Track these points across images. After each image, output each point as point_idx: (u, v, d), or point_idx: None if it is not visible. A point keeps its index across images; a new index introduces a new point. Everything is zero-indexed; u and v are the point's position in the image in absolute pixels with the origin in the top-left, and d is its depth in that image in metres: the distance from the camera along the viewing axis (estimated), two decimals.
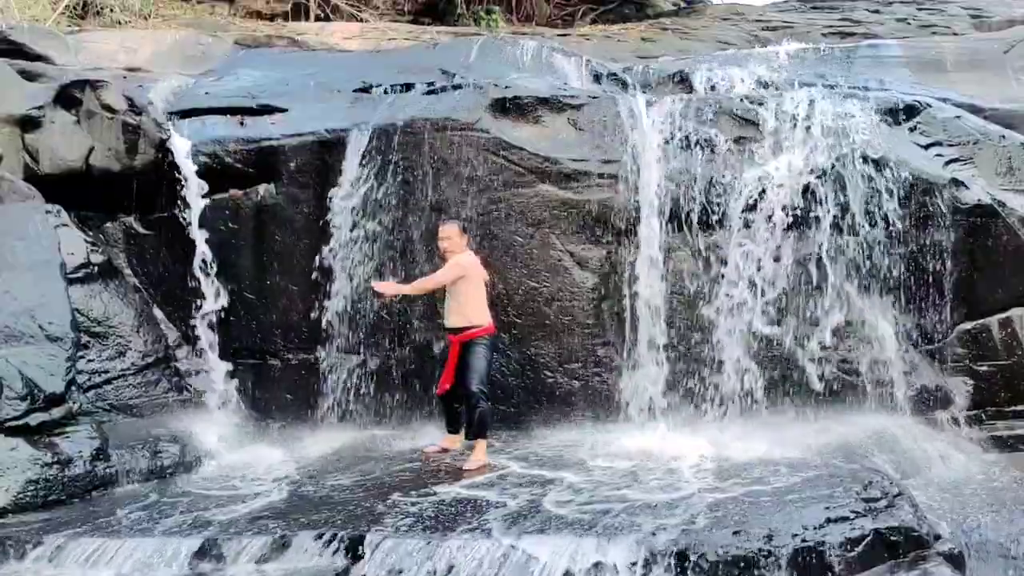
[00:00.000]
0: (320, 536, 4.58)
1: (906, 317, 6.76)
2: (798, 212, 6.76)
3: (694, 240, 6.84)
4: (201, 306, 7.19)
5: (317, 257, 7.09)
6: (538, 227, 6.87)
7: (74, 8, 11.83)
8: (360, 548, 4.47)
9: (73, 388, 6.01)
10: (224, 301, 7.20)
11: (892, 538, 4.44)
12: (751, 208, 6.76)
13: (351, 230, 7.05)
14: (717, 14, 14.87)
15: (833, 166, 6.80)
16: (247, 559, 4.53)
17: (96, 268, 6.93)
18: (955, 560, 4.49)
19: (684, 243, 6.85)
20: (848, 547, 4.33)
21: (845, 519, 4.49)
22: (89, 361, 6.54)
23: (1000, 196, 6.88)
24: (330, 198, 7.07)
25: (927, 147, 7.23)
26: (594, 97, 7.47)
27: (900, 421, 6.56)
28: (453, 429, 6.26)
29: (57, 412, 5.77)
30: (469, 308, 6.02)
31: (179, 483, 5.92)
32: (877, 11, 13.45)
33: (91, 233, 7.19)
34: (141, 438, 6.18)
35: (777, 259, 6.71)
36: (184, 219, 7.21)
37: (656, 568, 4.15)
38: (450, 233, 6.13)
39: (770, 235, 6.73)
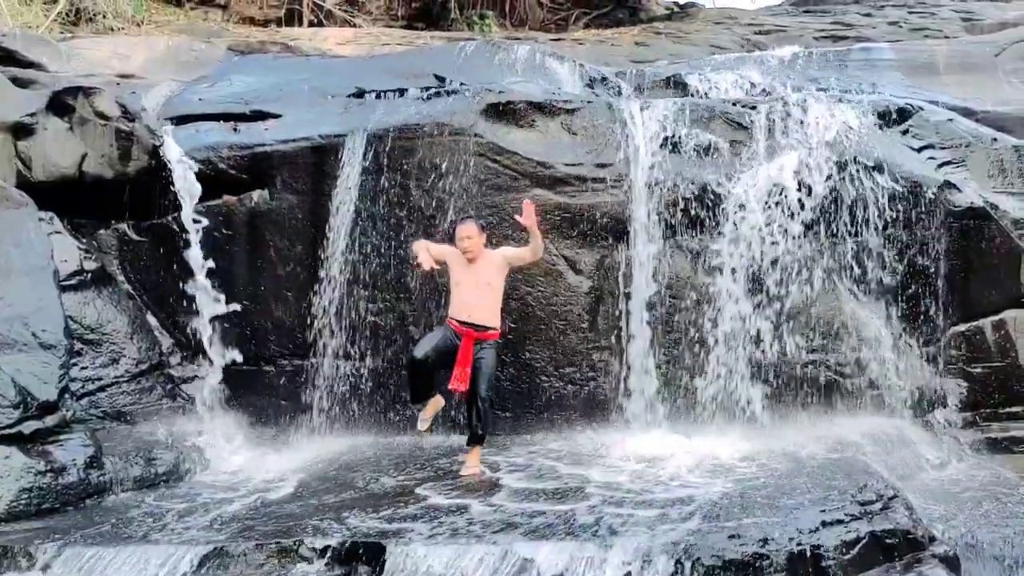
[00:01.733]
0: (320, 543, 4.57)
1: (900, 319, 6.78)
2: (791, 215, 6.77)
3: (688, 243, 6.85)
4: (198, 312, 7.18)
5: (311, 262, 7.08)
6: None
7: (67, 15, 11.82)
8: (357, 556, 4.46)
9: (66, 396, 5.99)
10: (220, 307, 7.17)
11: (887, 540, 4.44)
12: (745, 211, 6.77)
13: (345, 236, 7.04)
14: (710, 18, 14.92)
15: (826, 169, 6.81)
16: (245, 566, 4.52)
17: (89, 275, 6.90)
18: (950, 562, 4.49)
19: (678, 246, 6.86)
20: (843, 550, 4.33)
21: (840, 522, 4.48)
22: (83, 368, 6.51)
23: (992, 198, 6.90)
24: (329, 203, 7.05)
25: (920, 150, 7.26)
26: (588, 101, 7.48)
27: (895, 423, 6.57)
28: (427, 394, 5.98)
29: (50, 420, 5.73)
30: (495, 306, 5.95)
31: (174, 491, 5.90)
32: (869, 15, 13.50)
33: (84, 240, 7.17)
34: (135, 445, 6.16)
35: (771, 262, 6.72)
36: (177, 226, 7.19)
37: (649, 571, 4.15)
38: (470, 232, 5.97)
39: (764, 238, 6.74)
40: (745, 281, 6.71)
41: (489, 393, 5.86)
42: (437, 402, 6.07)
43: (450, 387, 5.83)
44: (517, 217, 5.89)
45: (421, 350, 5.84)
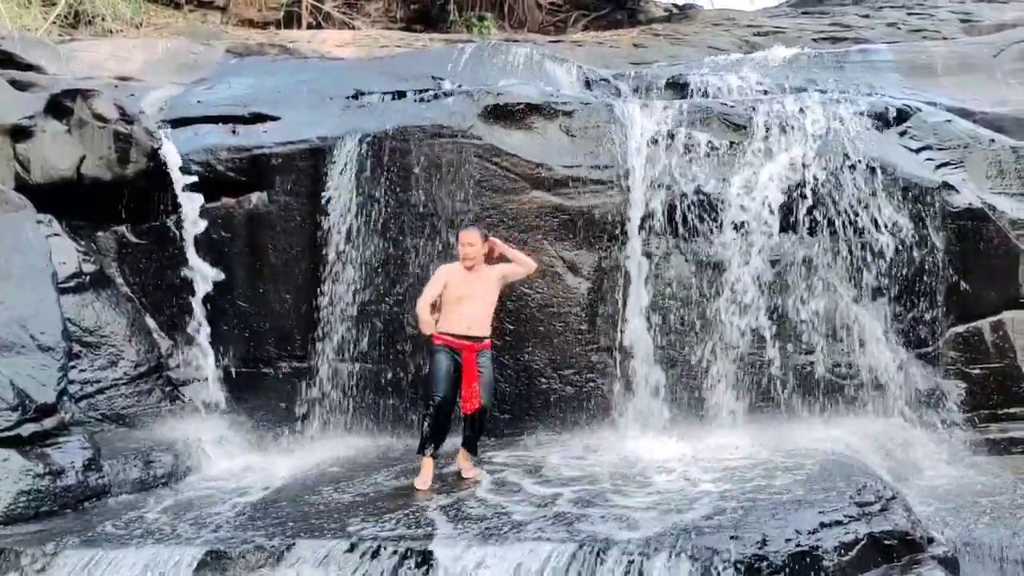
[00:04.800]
0: (318, 545, 4.57)
1: (899, 320, 6.78)
2: (790, 217, 6.78)
3: (686, 245, 6.85)
4: (194, 315, 7.18)
5: (310, 265, 7.09)
6: (530, 233, 6.87)
7: (65, 17, 11.83)
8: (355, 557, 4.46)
9: (65, 398, 5.98)
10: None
11: (886, 542, 4.45)
12: (743, 213, 6.78)
13: (344, 238, 7.04)
14: (709, 19, 14.93)
15: (824, 170, 6.81)
16: (245, 568, 4.52)
17: (88, 277, 6.90)
18: (949, 563, 4.50)
19: (676, 248, 6.86)
20: (842, 551, 4.33)
21: (839, 523, 4.49)
22: (81, 371, 6.52)
23: (990, 199, 6.91)
24: (325, 204, 7.07)
25: (918, 151, 7.26)
26: (586, 103, 7.48)
27: (894, 424, 6.57)
28: (442, 436, 5.80)
29: (49, 422, 5.73)
30: (490, 318, 5.91)
31: (172, 493, 5.90)
32: (867, 16, 13.51)
33: (83, 242, 7.17)
34: (134, 448, 6.16)
35: (769, 263, 6.72)
36: (175, 229, 7.19)
37: (648, 571, 4.15)
38: (472, 239, 5.91)
39: (762, 240, 6.74)
40: (743, 282, 6.71)
41: (489, 402, 5.83)
42: (429, 463, 5.73)
43: (463, 411, 5.71)
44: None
45: (440, 390, 5.65)
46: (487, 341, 5.88)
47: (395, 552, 4.44)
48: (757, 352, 6.68)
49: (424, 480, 5.60)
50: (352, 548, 4.51)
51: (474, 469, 5.80)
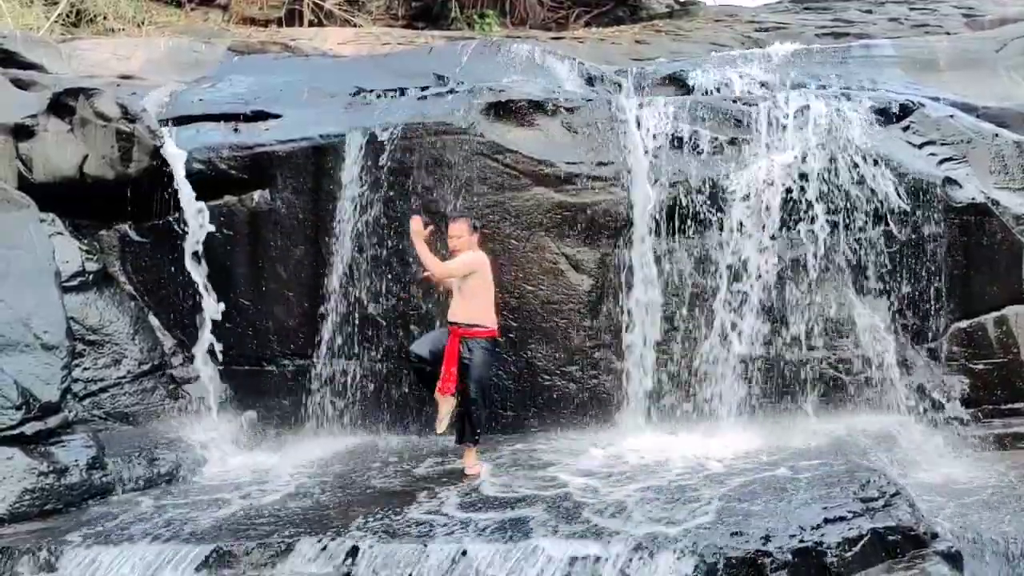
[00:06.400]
0: (321, 543, 4.58)
1: (902, 316, 6.77)
2: (792, 212, 6.77)
3: (688, 241, 6.85)
4: (198, 314, 7.19)
5: (312, 262, 7.09)
6: (533, 230, 6.88)
7: (67, 16, 11.84)
8: (357, 556, 4.47)
9: (69, 397, 6.01)
10: (220, 308, 7.16)
11: (890, 538, 4.45)
12: (745, 209, 6.77)
13: (346, 235, 7.05)
14: (710, 16, 14.90)
15: (826, 166, 6.81)
16: (248, 566, 4.53)
17: (91, 276, 6.92)
18: (953, 559, 4.49)
19: (678, 244, 6.86)
20: (846, 547, 4.33)
21: (843, 519, 4.49)
22: (85, 369, 6.54)
23: (994, 195, 6.89)
24: (329, 202, 7.06)
25: (920, 146, 7.23)
26: (588, 100, 7.47)
27: (897, 420, 6.56)
28: (433, 384, 5.87)
29: (53, 421, 5.75)
30: (475, 306, 5.88)
31: (176, 491, 5.91)
32: (870, 11, 13.48)
33: (86, 241, 7.19)
34: (137, 446, 6.18)
35: (771, 259, 6.72)
36: (179, 227, 7.20)
37: (651, 568, 4.15)
38: (459, 231, 5.98)
39: (764, 235, 6.73)
40: (745, 277, 6.70)
41: (477, 394, 5.80)
42: (448, 403, 5.85)
43: (437, 391, 5.76)
44: None
45: (416, 348, 5.96)
46: (476, 330, 5.83)
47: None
48: (760, 348, 6.67)
49: (440, 421, 5.82)
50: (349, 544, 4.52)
51: (477, 466, 5.81)
